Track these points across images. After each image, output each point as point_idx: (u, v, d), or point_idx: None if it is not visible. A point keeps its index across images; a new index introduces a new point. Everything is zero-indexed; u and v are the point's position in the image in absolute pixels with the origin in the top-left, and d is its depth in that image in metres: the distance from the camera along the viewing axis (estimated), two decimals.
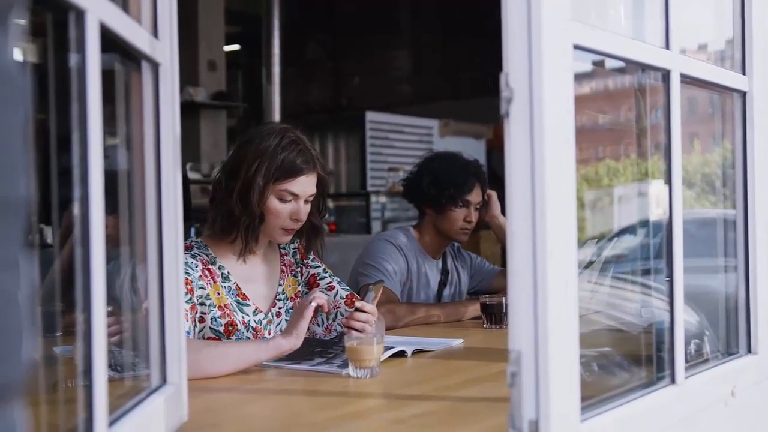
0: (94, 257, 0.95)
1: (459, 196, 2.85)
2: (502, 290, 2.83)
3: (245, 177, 2.03)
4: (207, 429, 1.41)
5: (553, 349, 1.10)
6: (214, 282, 2.07)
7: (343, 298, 2.23)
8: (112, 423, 1.03)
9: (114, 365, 1.32)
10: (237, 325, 2.07)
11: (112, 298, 1.08)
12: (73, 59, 0.95)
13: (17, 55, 0.57)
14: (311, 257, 2.30)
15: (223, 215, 2.08)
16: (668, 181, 1.45)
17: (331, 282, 2.26)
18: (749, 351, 1.73)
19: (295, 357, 1.99)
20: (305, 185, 2.08)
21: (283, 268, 2.25)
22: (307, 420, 1.50)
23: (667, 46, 1.44)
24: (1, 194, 0.52)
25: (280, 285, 2.22)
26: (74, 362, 1.44)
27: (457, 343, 2.26)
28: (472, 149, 6.34)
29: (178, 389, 1.32)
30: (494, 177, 4.18)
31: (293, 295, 2.24)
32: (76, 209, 0.94)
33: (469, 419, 1.47)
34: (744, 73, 1.72)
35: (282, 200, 2.07)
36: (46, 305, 1.71)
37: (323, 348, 2.05)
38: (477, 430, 1.42)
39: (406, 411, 1.54)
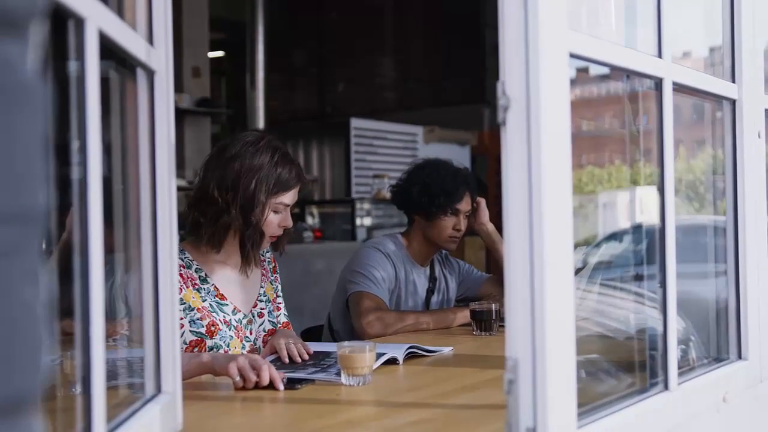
0: (93, 266, 0.94)
1: (449, 204, 2.84)
2: (490, 297, 2.83)
3: (245, 194, 2.10)
4: None
5: (550, 357, 1.10)
6: (192, 285, 2.12)
7: (280, 324, 2.32)
8: None
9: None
10: (218, 325, 2.11)
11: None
12: (71, 66, 0.95)
13: (36, 65, 0.57)
14: (278, 272, 2.39)
15: (221, 229, 2.12)
16: (661, 188, 1.46)
17: (281, 303, 2.36)
18: (740, 357, 1.74)
19: (289, 368, 1.98)
20: (295, 195, 2.21)
21: (263, 272, 2.32)
22: (302, 428, 1.49)
23: (660, 55, 1.45)
24: (21, 205, 0.52)
25: (262, 287, 2.29)
26: (65, 371, 1.43)
27: (447, 350, 2.26)
28: (457, 156, 6.32)
29: (173, 398, 1.31)
30: (479, 183, 4.17)
31: (272, 299, 2.32)
32: (75, 217, 0.93)
33: (464, 426, 1.47)
34: (733, 81, 1.74)
35: (276, 212, 2.16)
36: None
37: (316, 360, 2.05)
38: None
39: (401, 419, 1.53)
